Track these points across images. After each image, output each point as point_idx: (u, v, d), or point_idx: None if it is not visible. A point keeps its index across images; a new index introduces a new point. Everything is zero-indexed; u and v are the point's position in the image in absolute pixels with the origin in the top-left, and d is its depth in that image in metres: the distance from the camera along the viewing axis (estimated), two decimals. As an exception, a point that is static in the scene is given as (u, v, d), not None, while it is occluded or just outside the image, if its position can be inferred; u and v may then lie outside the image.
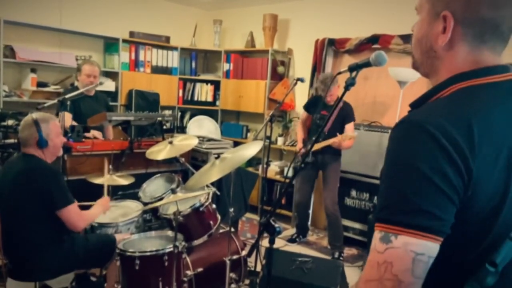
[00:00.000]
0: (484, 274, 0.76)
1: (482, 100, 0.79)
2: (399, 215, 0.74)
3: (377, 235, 0.76)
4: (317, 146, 3.66)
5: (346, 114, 3.75)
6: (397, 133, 0.79)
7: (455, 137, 0.72)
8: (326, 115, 3.81)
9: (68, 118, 3.43)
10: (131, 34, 5.02)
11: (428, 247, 0.73)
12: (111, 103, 4.42)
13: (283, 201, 4.87)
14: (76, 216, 2.27)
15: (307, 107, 4.10)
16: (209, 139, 4.06)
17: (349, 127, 3.74)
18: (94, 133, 3.45)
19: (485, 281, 0.76)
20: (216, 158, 2.47)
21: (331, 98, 3.77)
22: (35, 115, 2.30)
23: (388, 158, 0.79)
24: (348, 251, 4.05)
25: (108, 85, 4.67)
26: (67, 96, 3.06)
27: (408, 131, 0.77)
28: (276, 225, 1.47)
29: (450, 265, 0.78)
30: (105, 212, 2.57)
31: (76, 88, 3.57)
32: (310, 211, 4.61)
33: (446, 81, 0.84)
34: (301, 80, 3.51)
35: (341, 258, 3.84)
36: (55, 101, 3.05)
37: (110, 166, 2.90)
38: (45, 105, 2.95)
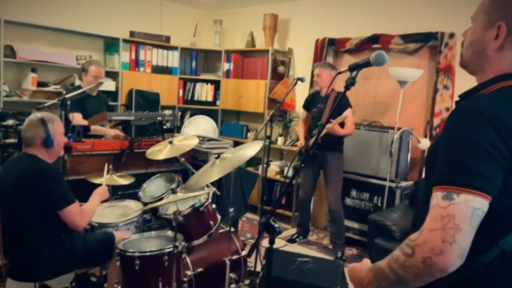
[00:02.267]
0: None
1: None
2: (461, 178, 0.91)
3: (438, 195, 0.93)
4: (315, 138, 3.69)
5: (342, 104, 3.72)
6: (457, 116, 0.98)
7: (506, 122, 0.92)
8: (322, 107, 3.85)
9: (78, 118, 3.46)
10: (131, 34, 5.02)
11: (482, 204, 0.90)
12: (111, 103, 4.45)
13: (283, 201, 4.86)
14: (77, 215, 2.26)
15: (305, 106, 4.14)
16: (209, 139, 4.06)
17: (346, 113, 3.70)
18: (116, 131, 3.49)
19: None
20: (216, 158, 2.47)
21: (319, 79, 3.84)
22: (40, 114, 2.28)
23: (449, 134, 0.98)
24: (348, 251, 4.05)
25: (109, 85, 4.67)
26: (67, 95, 3.06)
27: (468, 115, 0.95)
28: (276, 225, 1.46)
29: (490, 224, 0.94)
30: (103, 198, 2.55)
31: (80, 88, 3.62)
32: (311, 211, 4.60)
33: (493, 79, 1.03)
34: (301, 79, 3.52)
35: (344, 258, 3.85)
36: (55, 100, 3.06)
37: (110, 166, 2.90)
38: (46, 104, 2.96)
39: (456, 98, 1.12)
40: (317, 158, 3.88)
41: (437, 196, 0.93)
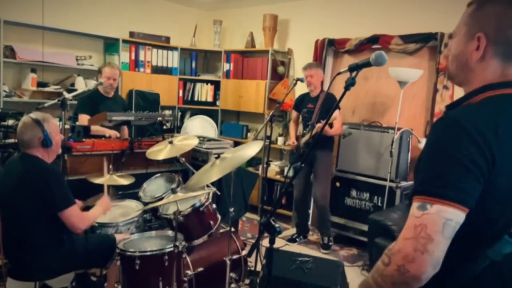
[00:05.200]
0: (503, 244, 0.96)
1: (507, 106, 0.98)
2: (435, 188, 0.92)
3: (415, 204, 0.95)
4: (307, 138, 3.77)
5: (331, 104, 3.78)
6: (438, 127, 0.99)
7: (485, 132, 0.92)
8: (312, 107, 3.89)
9: (84, 119, 3.46)
10: (131, 34, 5.02)
11: (456, 215, 0.91)
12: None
13: (283, 201, 4.87)
14: (76, 218, 2.26)
15: (296, 107, 4.21)
16: (209, 139, 4.06)
17: (335, 114, 3.74)
18: (110, 132, 3.49)
19: (504, 249, 0.96)
20: (216, 158, 2.48)
21: (313, 80, 3.89)
22: (33, 115, 2.27)
23: (429, 145, 0.99)
24: (348, 251, 4.05)
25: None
26: (69, 95, 3.06)
27: (447, 125, 0.97)
28: (276, 225, 1.47)
29: (475, 235, 0.96)
30: (105, 212, 2.56)
31: (97, 90, 3.70)
32: (310, 211, 4.61)
33: (478, 90, 1.03)
34: (301, 80, 3.53)
35: (330, 243, 3.99)
36: (56, 101, 3.06)
37: (111, 166, 2.90)
38: (46, 105, 2.96)
39: (456, 98, 1.13)
40: (308, 157, 3.90)
41: (413, 206, 0.95)
